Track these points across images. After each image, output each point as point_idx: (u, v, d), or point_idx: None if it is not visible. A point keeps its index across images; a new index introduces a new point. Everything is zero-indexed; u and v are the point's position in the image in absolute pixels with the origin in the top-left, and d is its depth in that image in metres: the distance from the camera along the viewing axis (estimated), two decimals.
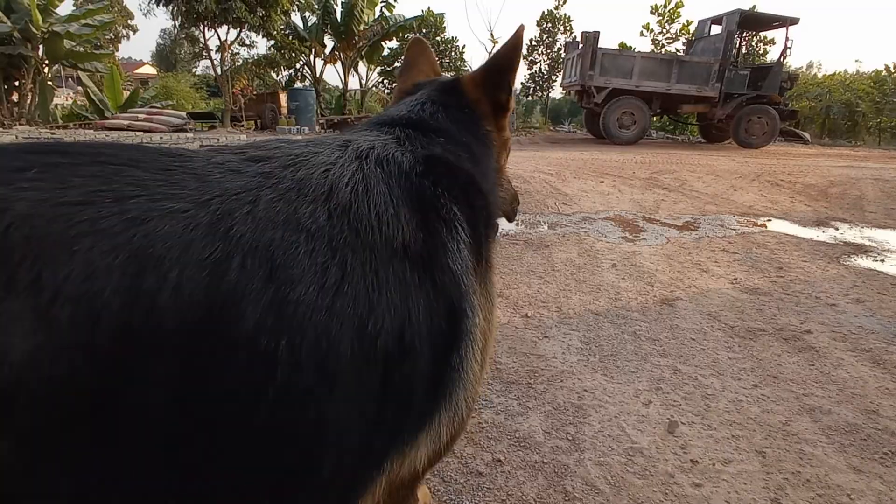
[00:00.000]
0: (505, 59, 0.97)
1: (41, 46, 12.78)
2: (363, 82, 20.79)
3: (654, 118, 14.55)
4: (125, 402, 0.43)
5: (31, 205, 0.44)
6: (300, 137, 0.73)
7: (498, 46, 1.13)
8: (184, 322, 0.45)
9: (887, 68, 16.32)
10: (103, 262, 0.44)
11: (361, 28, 17.05)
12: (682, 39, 19.02)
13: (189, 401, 0.46)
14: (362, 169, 0.66)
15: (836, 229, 4.44)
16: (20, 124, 12.04)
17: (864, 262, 3.52)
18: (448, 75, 1.11)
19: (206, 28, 15.78)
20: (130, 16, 33.44)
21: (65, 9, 14.46)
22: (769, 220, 4.74)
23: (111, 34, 27.56)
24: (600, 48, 12.34)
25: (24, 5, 12.10)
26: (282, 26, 16.74)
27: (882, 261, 3.56)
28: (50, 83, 14.05)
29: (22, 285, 0.41)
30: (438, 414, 0.66)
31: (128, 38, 34.00)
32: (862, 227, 4.51)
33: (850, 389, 1.93)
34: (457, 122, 0.90)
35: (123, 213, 0.47)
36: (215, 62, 16.98)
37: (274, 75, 20.11)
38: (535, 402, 1.79)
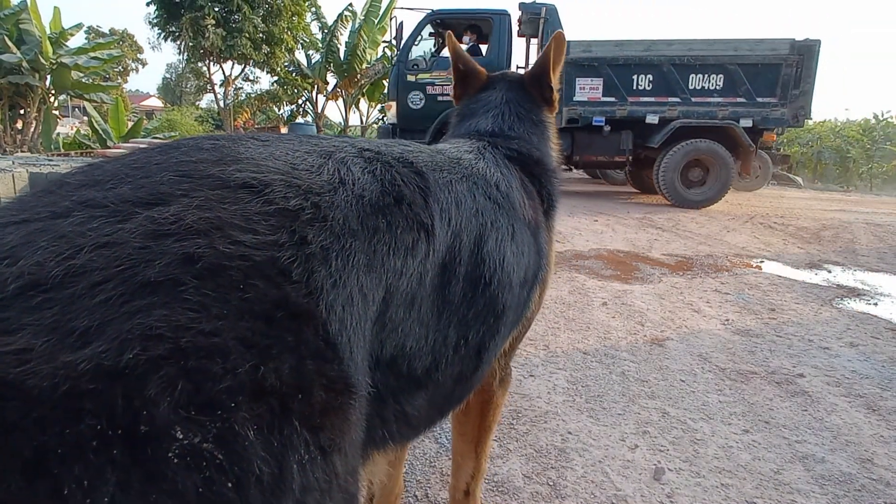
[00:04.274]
0: (542, 65, 1.26)
1: (49, 77, 13.05)
2: (364, 119, 21.21)
3: None
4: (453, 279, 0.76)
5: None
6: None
7: None
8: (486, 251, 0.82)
9: (875, 117, 16.74)
10: None
11: (364, 67, 17.53)
12: None
13: (465, 285, 0.78)
14: (494, 164, 1.01)
15: (829, 272, 4.42)
16: (21, 151, 12.16)
17: (856, 305, 3.49)
18: (514, 74, 1.41)
19: (212, 63, 16.20)
20: (140, 50, 34.31)
21: (77, 40, 14.82)
22: (762, 262, 4.72)
23: (120, 67, 28.23)
24: None
25: (36, 37, 12.42)
26: (286, 63, 17.19)
27: (875, 304, 3.52)
28: (55, 112, 14.29)
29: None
30: (532, 300, 1.05)
31: (137, 71, 34.81)
32: (854, 271, 4.49)
33: (844, 437, 1.86)
34: (528, 122, 1.25)
35: None
36: (219, 96, 17.35)
37: (276, 110, 20.53)
38: (517, 444, 1.72)
